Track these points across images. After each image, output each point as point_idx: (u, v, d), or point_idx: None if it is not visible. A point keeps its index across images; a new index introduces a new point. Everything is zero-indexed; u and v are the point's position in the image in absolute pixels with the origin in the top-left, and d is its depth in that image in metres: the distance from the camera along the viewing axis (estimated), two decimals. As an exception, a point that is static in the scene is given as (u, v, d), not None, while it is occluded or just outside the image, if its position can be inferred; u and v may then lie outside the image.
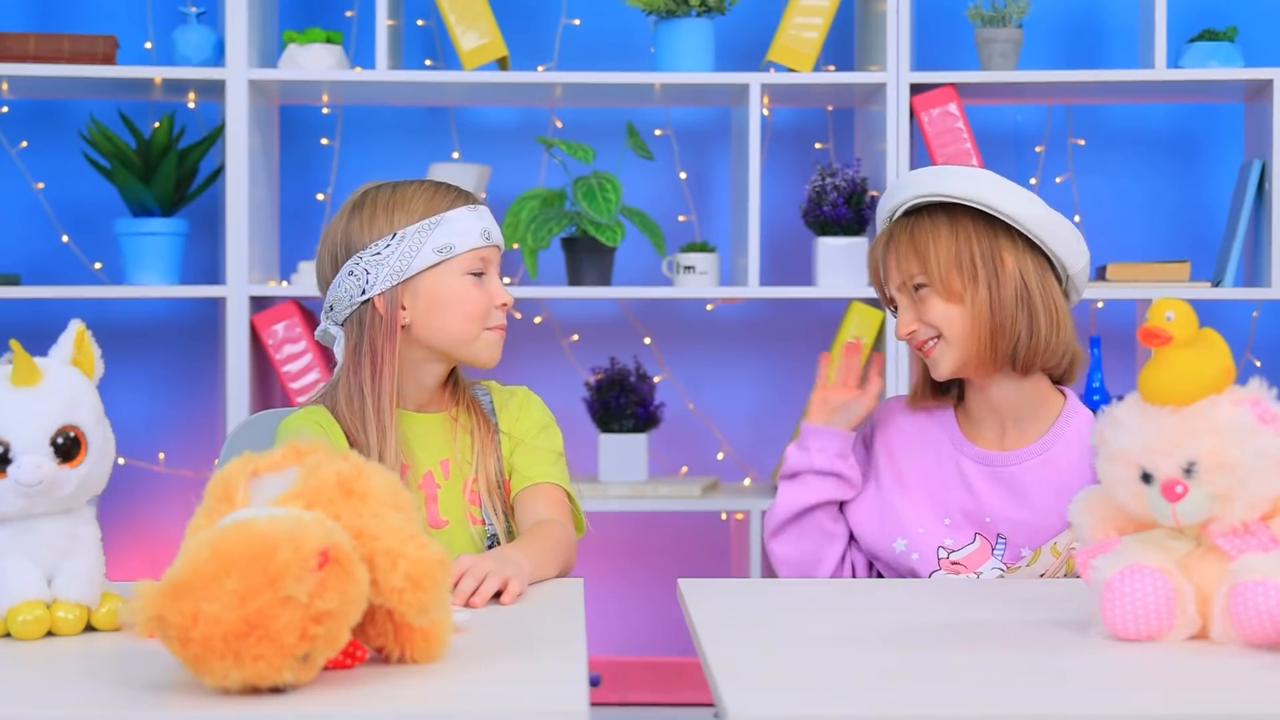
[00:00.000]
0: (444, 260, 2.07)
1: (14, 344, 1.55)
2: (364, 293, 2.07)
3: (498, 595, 1.76)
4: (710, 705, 1.91)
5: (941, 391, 2.22)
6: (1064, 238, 2.12)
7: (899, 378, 3.36)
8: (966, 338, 2.10)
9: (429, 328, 2.08)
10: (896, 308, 2.16)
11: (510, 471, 2.15)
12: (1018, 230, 2.10)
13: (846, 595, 1.90)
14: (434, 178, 3.51)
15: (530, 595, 1.82)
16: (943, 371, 2.13)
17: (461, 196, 2.11)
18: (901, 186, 2.16)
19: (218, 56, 3.42)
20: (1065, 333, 2.13)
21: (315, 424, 2.08)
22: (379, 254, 2.06)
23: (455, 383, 2.18)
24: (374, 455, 2.04)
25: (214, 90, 3.44)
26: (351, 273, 2.08)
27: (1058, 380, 2.18)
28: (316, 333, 2.18)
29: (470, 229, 2.08)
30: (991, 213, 2.10)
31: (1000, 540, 2.12)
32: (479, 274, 2.09)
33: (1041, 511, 2.11)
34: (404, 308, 2.07)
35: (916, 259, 2.11)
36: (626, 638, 3.72)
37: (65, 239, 3.65)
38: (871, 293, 3.40)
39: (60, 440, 1.53)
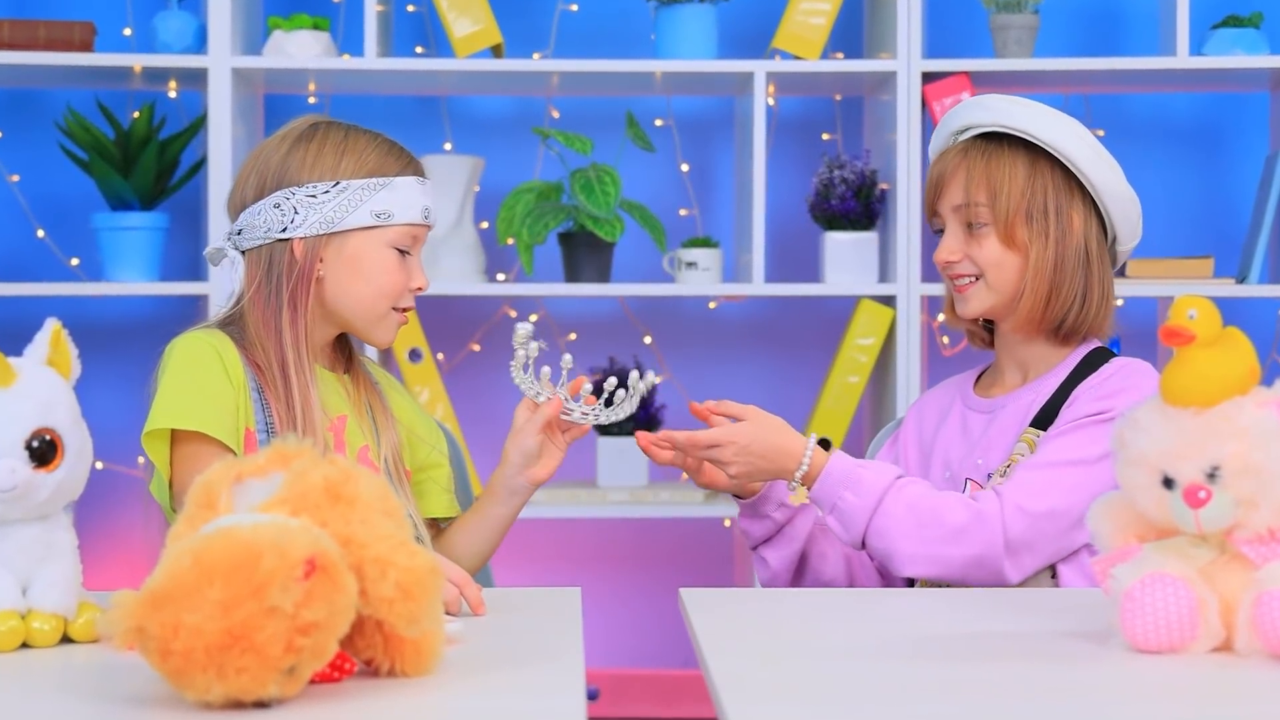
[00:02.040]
0: (378, 226, 2.04)
1: (-13, 343, 1.55)
2: (285, 231, 2.03)
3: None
4: (713, 720, 1.91)
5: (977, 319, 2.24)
6: (1131, 216, 2.16)
7: (910, 376, 3.36)
8: (1011, 289, 2.13)
9: (340, 291, 2.05)
10: (941, 232, 2.18)
11: (408, 461, 2.15)
12: (1089, 190, 2.13)
13: (855, 605, 1.90)
14: (427, 171, 3.52)
15: (526, 605, 1.82)
16: (970, 311, 2.16)
17: (413, 165, 2.09)
18: (986, 108, 2.15)
19: (200, 44, 3.42)
20: (1111, 306, 2.17)
21: (211, 347, 2.01)
22: (314, 197, 2.02)
23: (347, 351, 2.15)
24: (295, 399, 2.00)
25: (196, 79, 3.44)
26: (278, 205, 2.03)
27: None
28: (207, 250, 2.12)
29: (414, 202, 2.06)
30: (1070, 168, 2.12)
31: (989, 479, 2.14)
32: (405, 251, 2.07)
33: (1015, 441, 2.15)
34: (321, 260, 2.04)
35: (986, 191, 2.12)
36: (626, 649, 3.72)
37: (41, 234, 3.65)
38: (881, 290, 3.41)
39: (35, 444, 1.53)
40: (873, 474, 2.03)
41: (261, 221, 2.04)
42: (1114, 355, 2.16)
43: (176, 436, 1.99)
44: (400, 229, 2.05)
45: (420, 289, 2.09)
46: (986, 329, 2.25)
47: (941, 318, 3.41)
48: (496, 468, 2.12)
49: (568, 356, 2.10)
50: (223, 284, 2.10)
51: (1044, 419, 2.11)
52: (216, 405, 1.98)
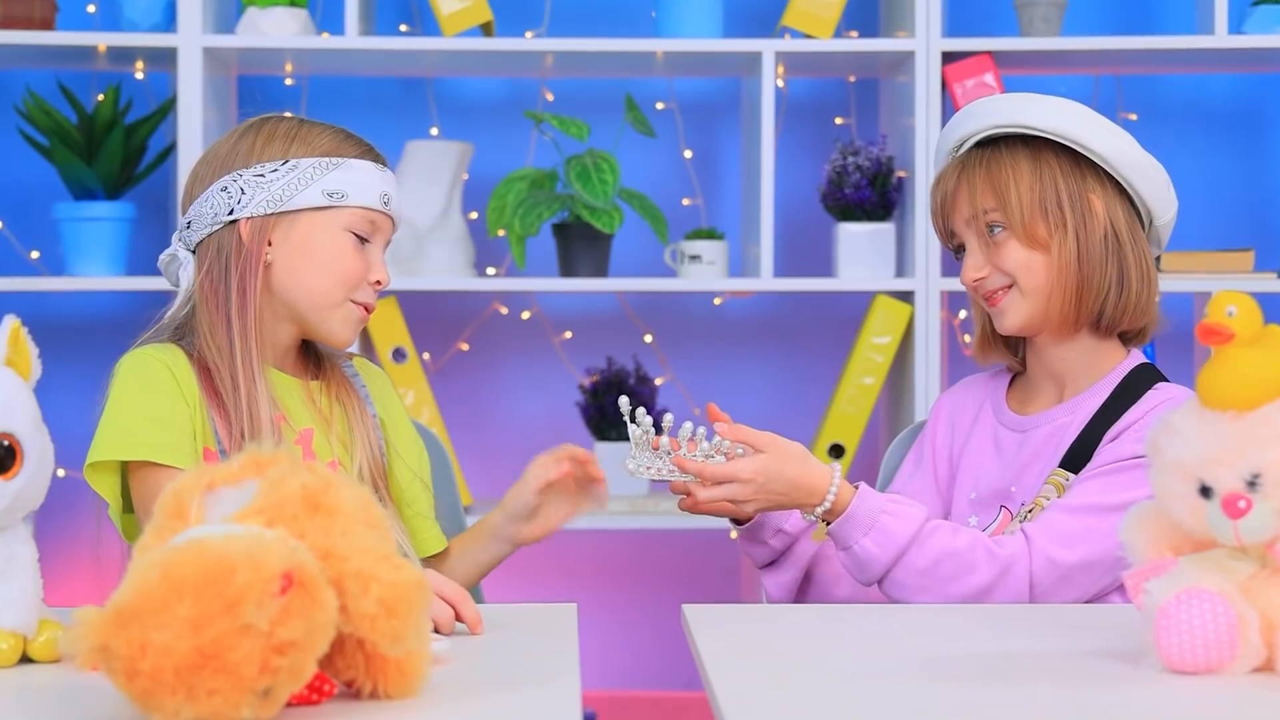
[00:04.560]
0: (331, 207, 2.02)
1: (-59, 342, 1.55)
2: (231, 212, 2.01)
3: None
4: (718, 745, 1.91)
5: (1009, 344, 2.23)
6: (1156, 182, 2.15)
7: (929, 377, 3.36)
8: (1045, 290, 2.11)
9: (290, 277, 2.03)
10: (962, 249, 2.17)
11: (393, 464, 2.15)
12: (1105, 170, 2.12)
13: (869, 622, 1.90)
14: (412, 158, 3.53)
15: (518, 622, 1.82)
16: (1009, 324, 2.14)
17: (372, 153, 2.08)
18: (973, 114, 2.16)
19: (168, 21, 3.43)
20: (1154, 289, 2.15)
21: (163, 364, 2.00)
22: (262, 175, 2.01)
23: (318, 357, 2.14)
24: (242, 401, 1.98)
25: (164, 59, 3.44)
26: (225, 189, 2.02)
27: (1129, 343, 2.20)
28: (160, 259, 2.10)
29: (370, 184, 2.05)
30: (1078, 149, 2.11)
31: (1020, 510, 2.13)
32: (363, 239, 2.05)
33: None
34: (270, 244, 2.02)
35: (992, 195, 2.12)
36: (625, 669, 3.72)
37: (-1, 225, 3.66)
38: (898, 285, 3.41)
39: (-7, 450, 1.53)
40: (898, 522, 2.01)
41: (209, 208, 2.03)
42: (1160, 377, 2.15)
43: (130, 465, 1.98)
44: (356, 212, 2.04)
45: (380, 284, 2.06)
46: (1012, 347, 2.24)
47: (964, 314, 3.39)
48: (494, 509, 2.13)
49: (669, 416, 2.11)
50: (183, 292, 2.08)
51: (1073, 457, 2.10)
52: (168, 428, 1.96)
